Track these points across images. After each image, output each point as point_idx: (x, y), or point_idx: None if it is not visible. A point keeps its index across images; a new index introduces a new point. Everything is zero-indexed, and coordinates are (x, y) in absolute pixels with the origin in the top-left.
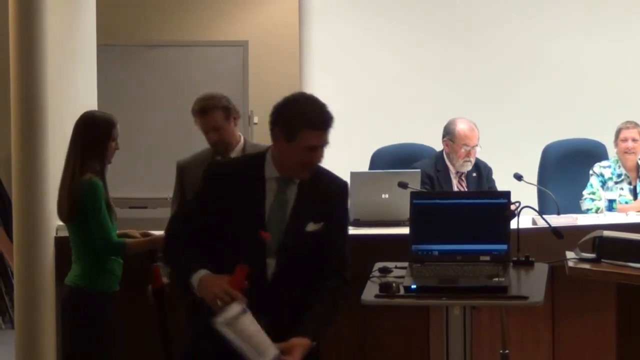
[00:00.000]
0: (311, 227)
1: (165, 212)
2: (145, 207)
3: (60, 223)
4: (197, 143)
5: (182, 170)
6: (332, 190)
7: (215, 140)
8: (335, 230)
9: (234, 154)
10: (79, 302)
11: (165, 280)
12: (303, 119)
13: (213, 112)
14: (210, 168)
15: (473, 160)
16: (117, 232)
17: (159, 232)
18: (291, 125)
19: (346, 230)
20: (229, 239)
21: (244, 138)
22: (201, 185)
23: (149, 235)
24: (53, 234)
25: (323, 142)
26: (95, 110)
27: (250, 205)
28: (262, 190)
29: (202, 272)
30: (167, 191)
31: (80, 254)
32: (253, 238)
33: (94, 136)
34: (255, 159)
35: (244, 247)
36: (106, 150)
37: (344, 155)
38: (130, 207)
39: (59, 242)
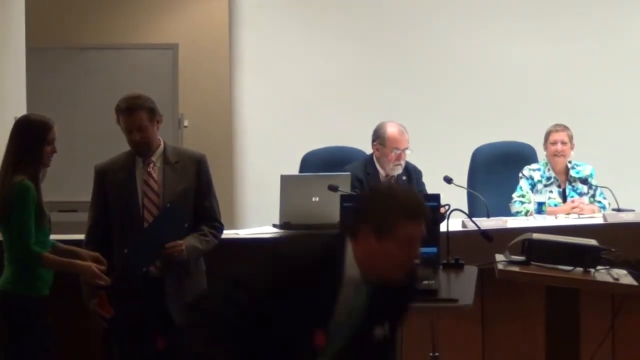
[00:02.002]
0: (379, 332)
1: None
2: (76, 211)
3: None
4: (127, 146)
5: (104, 174)
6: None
7: (137, 141)
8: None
9: (154, 157)
10: (6, 305)
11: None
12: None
13: (139, 111)
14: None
15: (403, 164)
16: (66, 245)
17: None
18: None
19: None
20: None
21: (164, 142)
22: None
23: (99, 260)
24: None
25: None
26: (31, 114)
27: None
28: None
29: None
30: None
31: (10, 257)
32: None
33: (29, 139)
34: (332, 248)
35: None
36: (42, 154)
37: (274, 158)
38: (60, 211)
39: None
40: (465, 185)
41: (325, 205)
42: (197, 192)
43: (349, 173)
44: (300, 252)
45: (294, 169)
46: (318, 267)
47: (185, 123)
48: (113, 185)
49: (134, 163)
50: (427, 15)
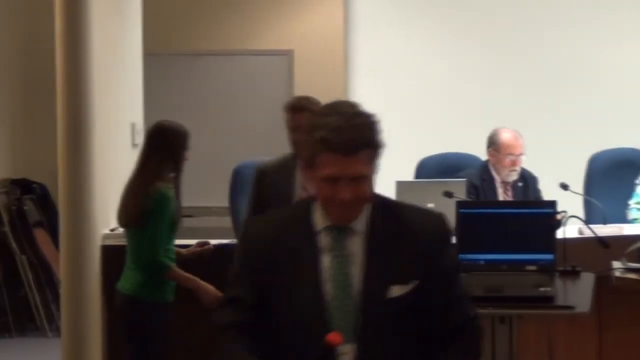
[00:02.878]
0: (397, 291)
1: (212, 221)
2: (191, 216)
3: (107, 232)
4: (243, 151)
5: (262, 174)
6: (422, 232)
7: (296, 140)
8: (440, 283)
9: None
10: (133, 310)
11: None
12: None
13: (305, 112)
14: (247, 233)
15: (519, 170)
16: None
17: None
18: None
19: (455, 278)
20: (282, 332)
21: None
22: (240, 257)
23: (206, 244)
24: (99, 243)
25: (350, 173)
26: (165, 121)
27: (300, 278)
28: (314, 249)
29: None
30: (213, 200)
31: (138, 263)
32: (311, 330)
33: (171, 145)
34: (300, 205)
35: (302, 343)
36: (181, 160)
37: (389, 165)
38: None
39: (105, 250)
40: (582, 192)
41: (441, 211)
42: None
43: (464, 179)
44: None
45: (409, 175)
46: (290, 219)
47: None
48: (271, 186)
49: (295, 166)
50: (546, 20)
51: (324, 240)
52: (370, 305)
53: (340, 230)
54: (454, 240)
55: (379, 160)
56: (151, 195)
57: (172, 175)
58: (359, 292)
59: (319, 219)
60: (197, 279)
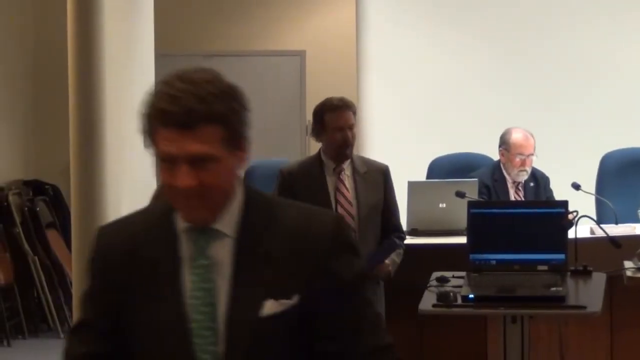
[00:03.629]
0: (271, 308)
1: None
2: None
3: None
4: (254, 151)
5: (292, 177)
6: (307, 236)
7: (348, 139)
8: (332, 299)
9: (345, 165)
10: None
11: None
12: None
13: (350, 110)
14: (97, 242)
15: (529, 170)
16: None
17: None
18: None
19: (356, 294)
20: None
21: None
22: (91, 273)
23: None
24: None
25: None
26: None
27: (159, 296)
28: (174, 258)
29: None
30: None
31: None
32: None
33: None
34: (162, 204)
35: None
36: None
37: (401, 164)
38: None
39: None
40: (594, 192)
41: (453, 211)
42: (385, 204)
43: (476, 179)
44: None
45: (421, 175)
46: (149, 221)
47: None
48: (304, 191)
49: (323, 169)
50: (555, 19)
51: (185, 246)
52: (238, 328)
53: (202, 232)
54: (348, 248)
55: (245, 143)
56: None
57: None
58: (225, 313)
59: (180, 220)
60: None
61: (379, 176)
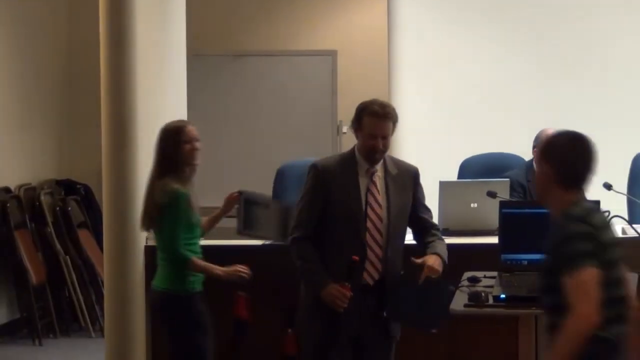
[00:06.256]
0: None
1: None
2: (233, 217)
3: (150, 232)
4: (286, 151)
5: (326, 172)
6: None
7: (379, 148)
8: None
9: (378, 165)
10: (165, 303)
11: (246, 313)
12: None
13: (390, 120)
14: None
15: None
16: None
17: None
18: None
19: None
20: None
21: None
22: None
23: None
24: (143, 243)
25: None
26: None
27: None
28: None
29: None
30: None
31: (164, 259)
32: None
33: (165, 145)
34: None
35: None
36: (181, 155)
37: (433, 164)
38: None
39: (149, 251)
40: (625, 192)
41: (484, 211)
42: (416, 205)
43: (507, 179)
44: None
45: (452, 175)
46: None
47: (344, 129)
48: (338, 187)
49: (356, 169)
50: (588, 19)
51: None
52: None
53: None
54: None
55: None
56: (162, 195)
57: (177, 173)
58: None
59: None
60: (214, 266)
61: (409, 179)
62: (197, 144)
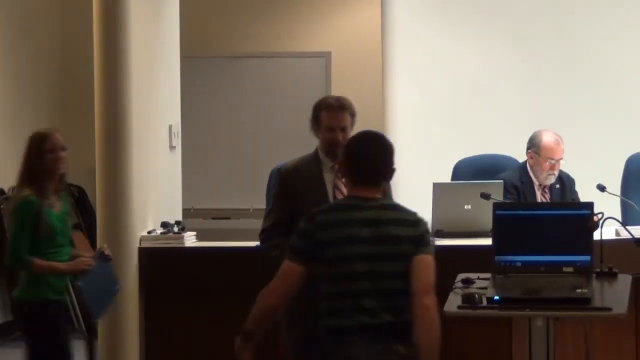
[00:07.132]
0: None
1: (248, 223)
2: (229, 218)
3: (144, 234)
4: (280, 153)
5: (290, 177)
6: None
7: (337, 140)
8: None
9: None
10: (19, 311)
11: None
12: None
13: (346, 112)
14: None
15: (557, 174)
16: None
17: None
18: None
19: None
20: None
21: None
22: None
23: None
24: (137, 245)
25: None
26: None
27: None
28: None
29: None
30: (250, 202)
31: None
32: None
33: (29, 154)
34: None
35: None
36: (43, 165)
37: (426, 166)
38: (213, 218)
39: (143, 252)
40: (619, 194)
41: (478, 213)
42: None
43: (501, 181)
44: None
45: (446, 177)
46: None
47: None
48: (304, 187)
49: (321, 167)
50: (583, 23)
51: None
52: None
53: None
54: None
55: None
56: (12, 202)
57: (36, 181)
58: None
59: None
60: (53, 263)
61: None
62: (62, 153)
